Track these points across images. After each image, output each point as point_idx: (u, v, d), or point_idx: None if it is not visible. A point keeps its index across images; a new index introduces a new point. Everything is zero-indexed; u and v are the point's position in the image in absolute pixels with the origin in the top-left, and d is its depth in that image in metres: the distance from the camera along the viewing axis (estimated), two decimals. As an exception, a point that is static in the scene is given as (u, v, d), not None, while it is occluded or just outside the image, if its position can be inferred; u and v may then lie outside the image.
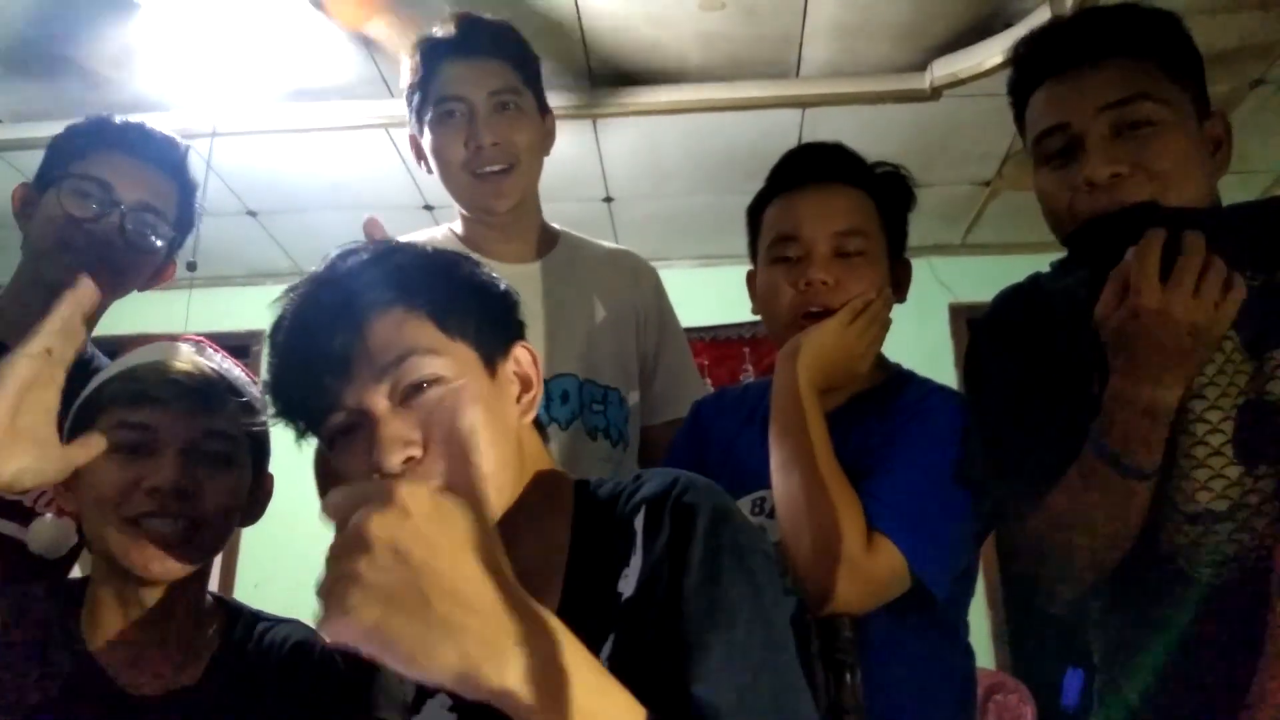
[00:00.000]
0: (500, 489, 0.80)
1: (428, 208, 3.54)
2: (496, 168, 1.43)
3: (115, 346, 1.24)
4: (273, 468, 1.18)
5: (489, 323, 0.85)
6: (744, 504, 1.19)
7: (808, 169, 1.25)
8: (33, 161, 1.43)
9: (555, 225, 1.61)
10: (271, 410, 0.84)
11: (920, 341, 3.69)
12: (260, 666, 1.08)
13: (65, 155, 1.37)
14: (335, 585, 0.58)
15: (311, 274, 0.84)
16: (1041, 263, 1.17)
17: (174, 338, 1.17)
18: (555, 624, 0.61)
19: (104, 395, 1.07)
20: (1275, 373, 1.00)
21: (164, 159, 1.42)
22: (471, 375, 0.81)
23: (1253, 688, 0.92)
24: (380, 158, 3.34)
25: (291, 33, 2.79)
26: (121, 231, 1.35)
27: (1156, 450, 0.99)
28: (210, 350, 1.16)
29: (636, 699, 0.63)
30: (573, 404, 1.43)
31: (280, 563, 3.71)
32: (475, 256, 1.46)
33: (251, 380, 1.18)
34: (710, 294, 3.46)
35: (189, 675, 1.05)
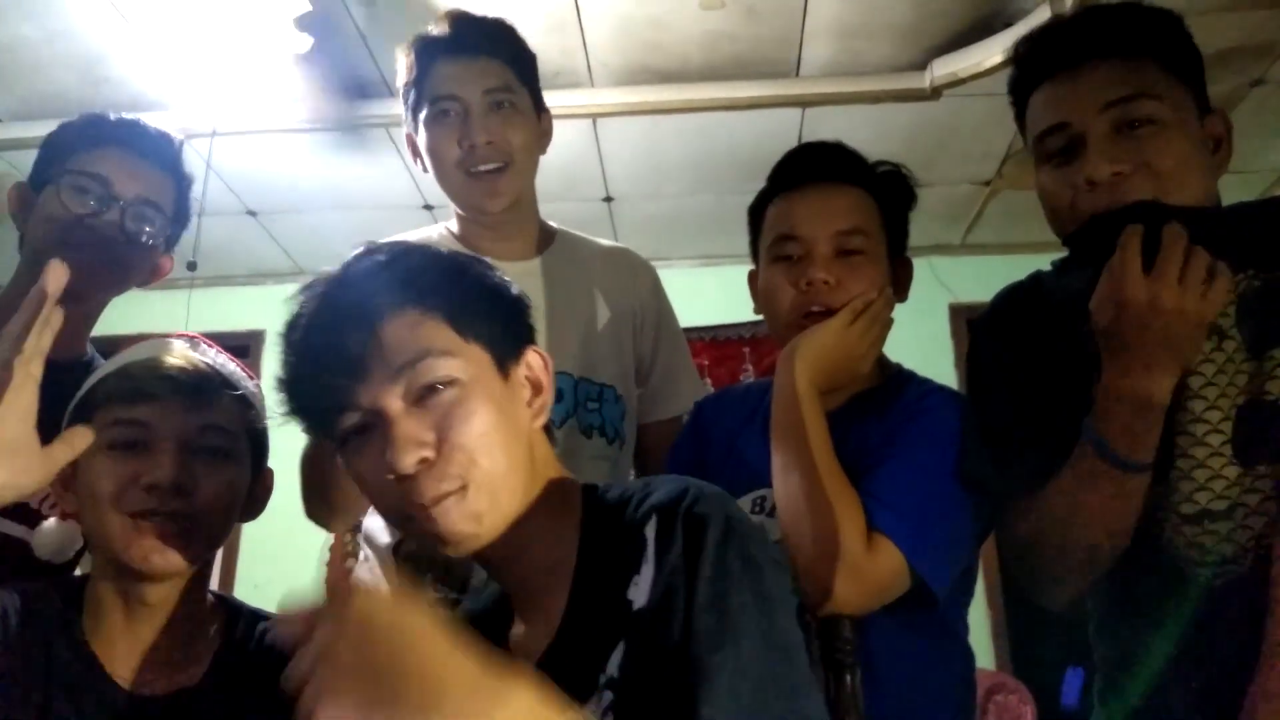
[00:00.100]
0: (512, 491, 0.81)
1: (427, 207, 3.53)
2: (491, 166, 1.42)
3: (115, 347, 1.24)
4: (274, 466, 1.18)
5: (502, 326, 0.85)
6: (744, 502, 1.19)
7: (808, 168, 1.25)
8: (32, 161, 1.43)
9: (553, 223, 1.60)
10: (285, 409, 0.84)
11: (920, 341, 3.68)
12: (262, 666, 1.07)
13: (62, 152, 1.37)
14: (313, 704, 0.59)
15: (326, 274, 0.84)
16: (1042, 262, 1.17)
17: (167, 336, 1.17)
18: (531, 686, 0.61)
19: (98, 393, 1.07)
20: (1275, 372, 1.00)
21: (160, 154, 1.42)
22: (485, 377, 0.81)
23: (1252, 687, 0.93)
24: (380, 158, 3.34)
25: (291, 33, 2.79)
26: (122, 227, 1.35)
27: (1149, 444, 0.99)
28: (205, 346, 1.16)
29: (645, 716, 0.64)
30: (567, 402, 1.43)
31: (280, 563, 3.72)
32: (471, 255, 1.47)
33: (248, 376, 1.17)
34: (710, 294, 3.46)
35: (190, 675, 1.05)
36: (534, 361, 0.87)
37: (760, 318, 1.30)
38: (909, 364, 1.30)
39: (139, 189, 1.37)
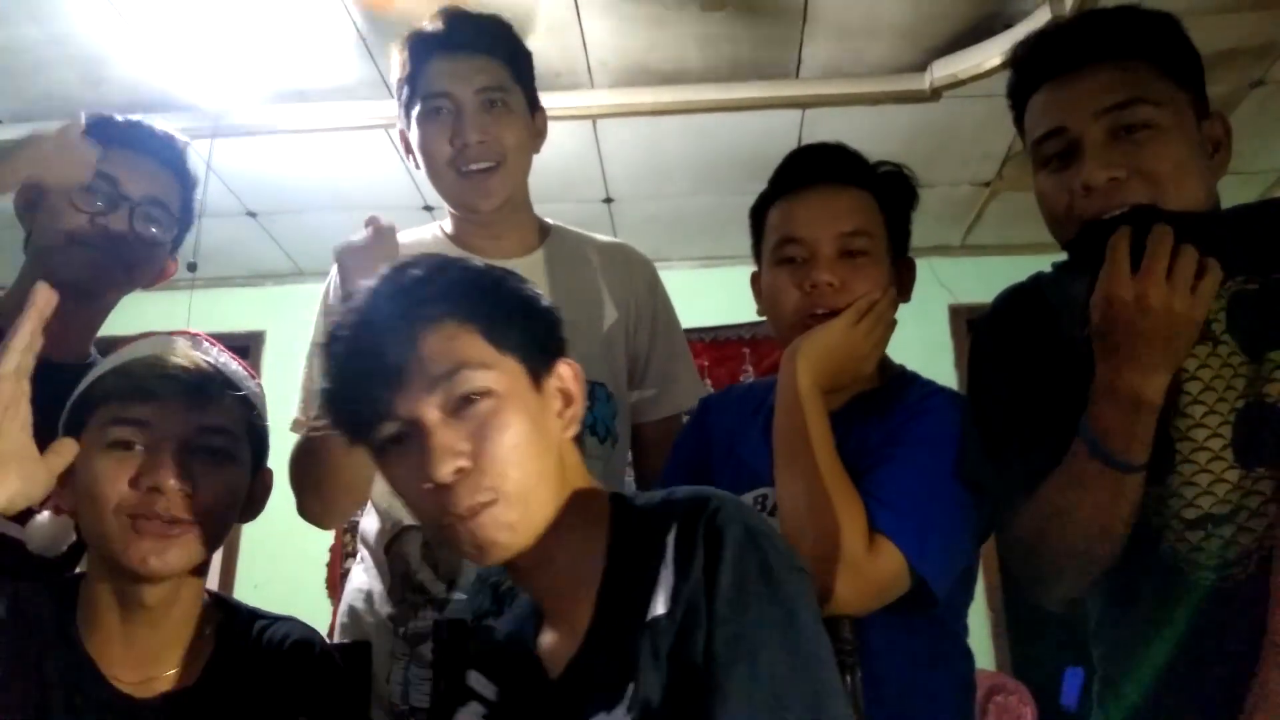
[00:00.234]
0: (543, 501, 0.82)
1: (427, 208, 3.53)
2: (482, 165, 1.41)
3: (114, 349, 1.24)
4: (273, 465, 1.18)
5: (535, 338, 0.87)
6: (745, 501, 1.19)
7: (810, 170, 1.25)
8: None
9: (549, 220, 1.59)
10: (327, 418, 0.87)
11: (920, 341, 3.69)
12: (259, 665, 1.07)
13: None
14: None
15: (367, 288, 0.86)
16: (1041, 263, 1.17)
17: (169, 334, 1.15)
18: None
19: (97, 391, 1.06)
20: (1274, 375, 1.01)
21: (166, 155, 1.43)
22: (518, 389, 0.83)
23: (1253, 688, 0.93)
24: (380, 158, 3.34)
25: (291, 33, 2.79)
26: (131, 226, 1.36)
27: (1143, 443, 0.99)
28: (206, 344, 1.15)
29: None
30: None
31: (280, 563, 3.72)
32: (464, 254, 1.46)
33: (250, 375, 1.17)
34: (710, 294, 3.47)
35: (187, 675, 1.04)
36: (565, 373, 0.89)
37: (760, 318, 1.30)
38: (909, 364, 1.31)
39: (147, 189, 1.38)
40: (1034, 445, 1.09)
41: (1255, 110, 3.15)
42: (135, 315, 1.56)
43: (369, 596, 1.44)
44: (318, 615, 1.17)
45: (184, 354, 1.09)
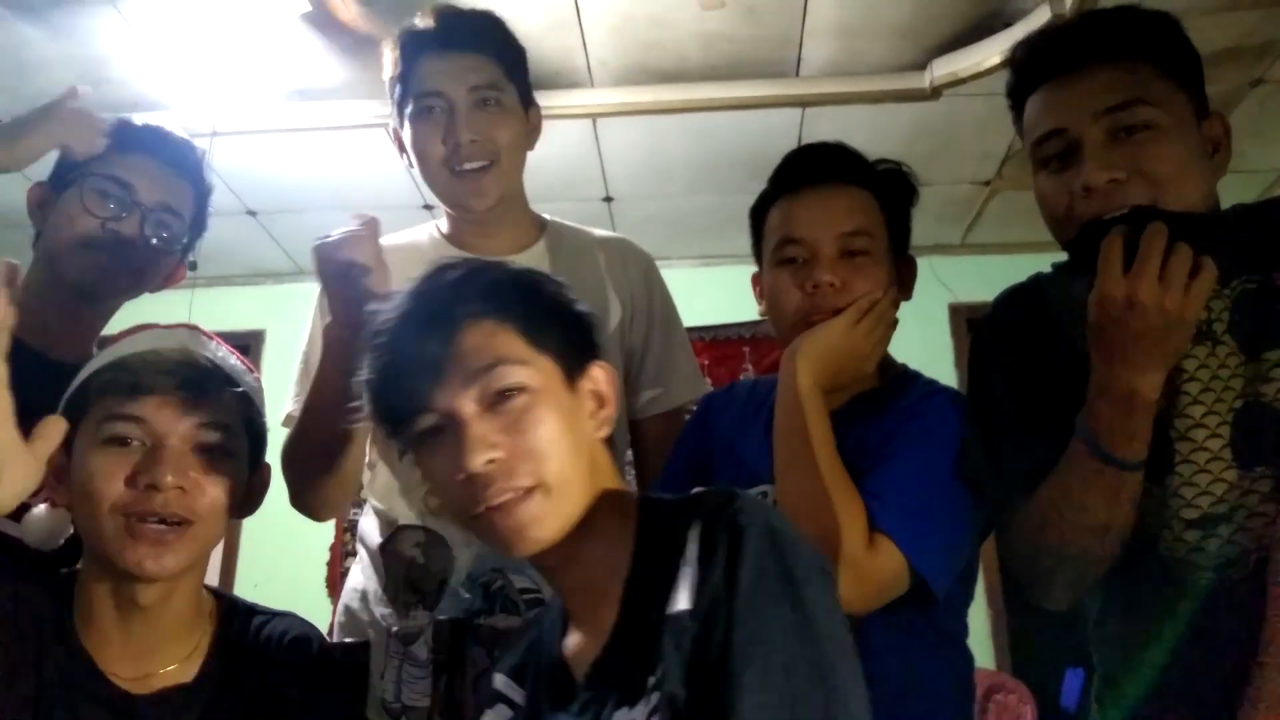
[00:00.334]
0: (574, 497, 0.84)
1: (427, 207, 3.53)
2: (476, 165, 1.40)
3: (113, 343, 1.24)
4: (272, 463, 1.18)
5: (570, 339, 0.89)
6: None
7: (810, 170, 1.25)
8: (35, 162, 1.43)
9: (546, 215, 1.58)
10: (367, 410, 0.89)
11: (920, 341, 3.69)
12: (257, 661, 1.07)
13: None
14: None
15: (411, 286, 0.89)
16: (1041, 263, 1.17)
17: (169, 326, 1.14)
18: None
19: (94, 385, 1.04)
20: (1271, 374, 1.00)
21: (182, 161, 1.44)
22: (553, 387, 0.85)
23: (1249, 688, 0.93)
24: (380, 157, 3.34)
25: (291, 33, 2.79)
26: (141, 232, 1.36)
27: (1139, 442, 0.99)
28: (204, 337, 1.13)
29: None
30: None
31: (280, 562, 3.72)
32: (461, 254, 1.46)
33: (249, 369, 1.16)
34: (710, 294, 3.47)
35: (185, 671, 1.03)
36: (599, 375, 0.91)
37: (760, 317, 1.30)
38: (909, 364, 1.31)
39: (160, 195, 1.39)
40: (1034, 446, 1.08)
41: (1255, 110, 3.15)
42: (136, 315, 1.55)
43: (364, 595, 1.44)
44: (318, 615, 1.17)
45: (182, 348, 1.07)
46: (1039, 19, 2.64)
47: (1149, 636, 1.05)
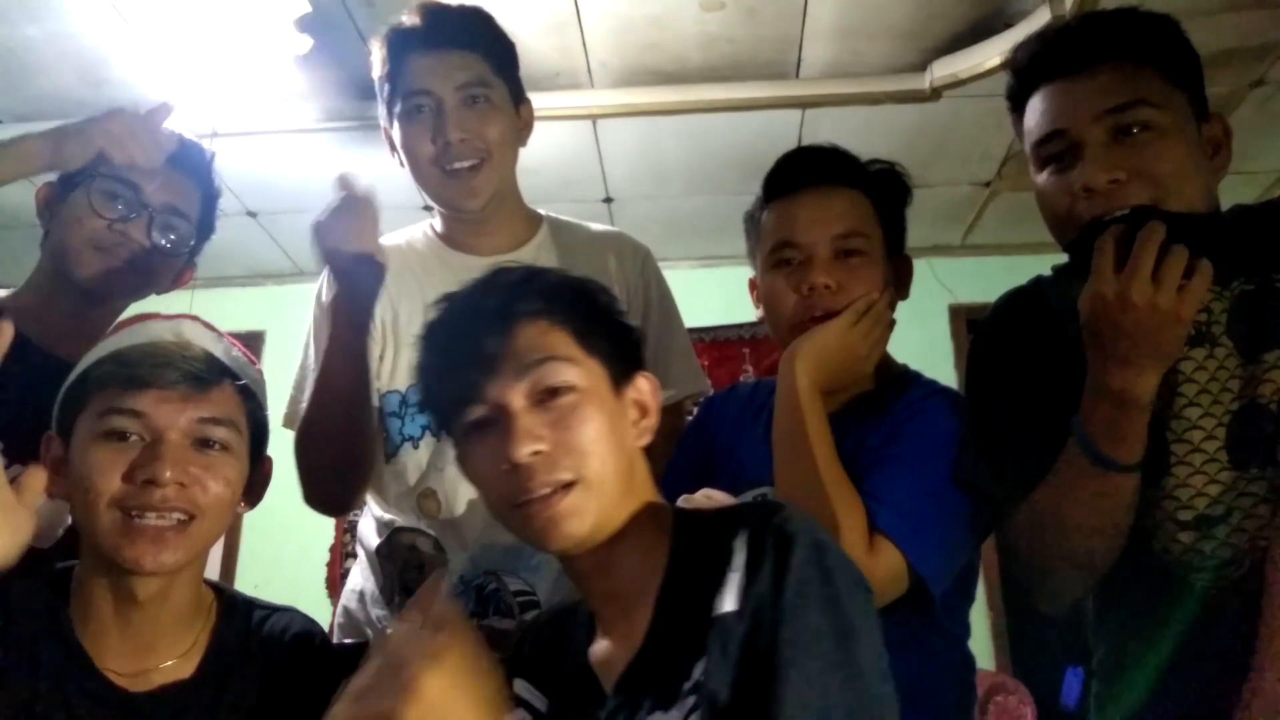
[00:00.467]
0: (613, 498, 0.86)
1: (427, 208, 3.53)
2: (466, 164, 1.38)
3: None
4: (274, 469, 1.18)
5: (619, 347, 0.92)
6: (744, 500, 1.19)
7: (802, 173, 1.25)
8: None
9: (541, 210, 1.56)
10: (420, 400, 0.92)
11: (920, 341, 3.69)
12: (258, 657, 1.06)
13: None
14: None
15: (469, 283, 0.93)
16: (1041, 263, 1.17)
17: (171, 317, 1.12)
18: None
19: (92, 378, 1.02)
20: (1267, 376, 1.00)
21: (191, 164, 1.44)
22: (600, 389, 0.88)
23: (1246, 688, 0.93)
24: (380, 158, 3.33)
25: (291, 32, 2.79)
26: (148, 234, 1.36)
27: (1134, 443, 0.99)
28: (204, 329, 1.11)
29: None
30: None
31: (280, 562, 3.72)
32: (455, 253, 1.46)
33: (251, 361, 1.14)
34: (710, 294, 3.46)
35: (183, 667, 1.02)
36: (644, 385, 0.94)
37: (760, 319, 1.30)
38: (909, 364, 1.31)
39: (168, 197, 1.39)
40: (1033, 448, 1.08)
41: (1255, 110, 3.15)
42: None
43: (362, 596, 1.44)
44: (317, 615, 1.16)
45: (182, 341, 1.06)
46: (1039, 20, 2.63)
47: (1145, 637, 1.05)
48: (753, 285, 1.32)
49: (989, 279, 2.81)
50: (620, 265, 1.52)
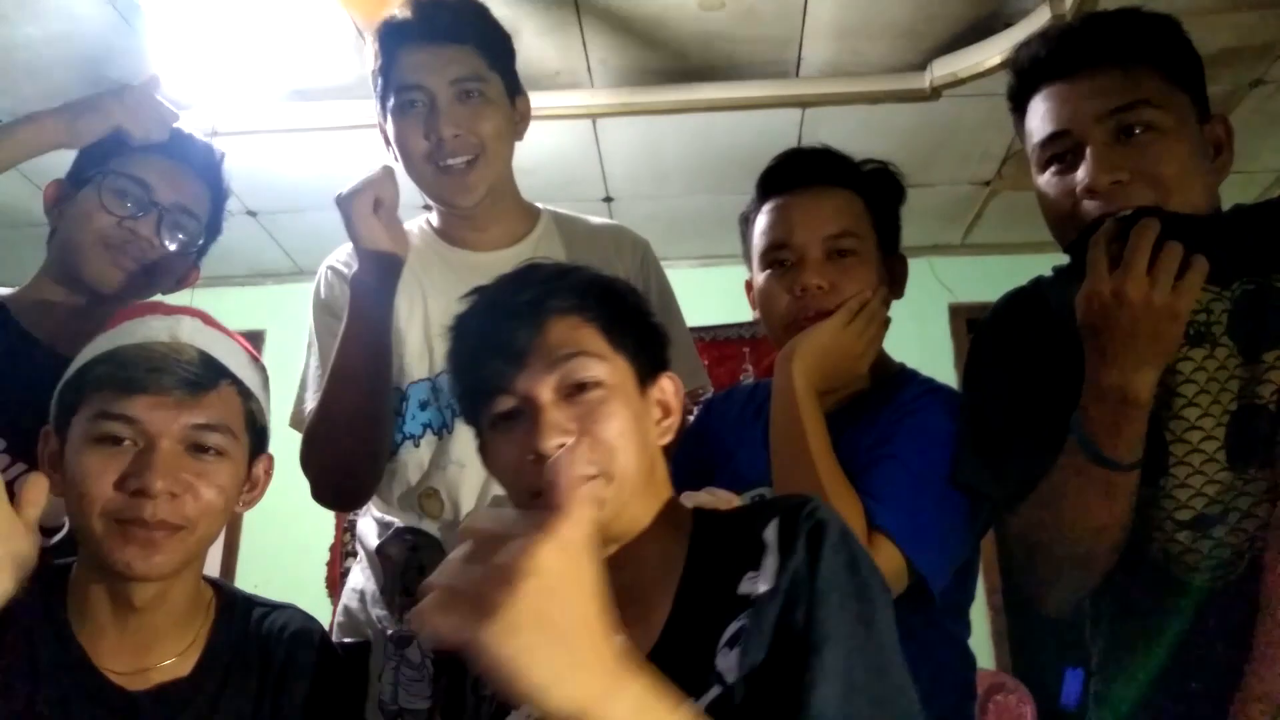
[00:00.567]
0: (635, 493, 0.86)
1: (428, 207, 3.53)
2: (460, 160, 1.36)
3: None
4: (275, 468, 1.17)
5: (645, 347, 0.93)
6: (743, 500, 1.19)
7: (794, 174, 1.26)
8: (35, 162, 1.44)
9: (539, 204, 1.55)
10: (451, 390, 0.92)
11: (920, 341, 3.69)
12: (257, 655, 1.05)
13: (104, 153, 1.39)
14: (488, 601, 0.57)
15: (501, 276, 0.94)
16: (1042, 263, 1.17)
17: (174, 310, 1.10)
18: (649, 680, 0.63)
19: (87, 379, 1.01)
20: (1267, 376, 1.00)
21: (201, 164, 1.45)
22: (626, 387, 0.89)
23: (1243, 688, 0.93)
24: (380, 158, 3.33)
25: (291, 32, 2.79)
26: (158, 232, 1.36)
27: (1133, 442, 0.99)
28: (204, 326, 1.09)
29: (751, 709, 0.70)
30: None
31: (280, 562, 3.72)
32: (452, 249, 1.45)
33: (254, 357, 1.12)
34: (710, 294, 3.46)
35: (182, 665, 1.01)
36: (668, 386, 0.95)
37: (757, 319, 1.30)
38: (909, 364, 1.31)
39: (177, 197, 1.40)
40: (1033, 449, 1.08)
41: (1255, 110, 3.15)
42: (135, 315, 1.56)
43: (362, 596, 1.44)
44: (318, 614, 1.16)
45: (176, 341, 1.03)
46: (1039, 19, 2.63)
47: (1144, 637, 1.05)
48: (748, 286, 1.32)
49: (989, 279, 2.81)
50: (620, 256, 1.51)
